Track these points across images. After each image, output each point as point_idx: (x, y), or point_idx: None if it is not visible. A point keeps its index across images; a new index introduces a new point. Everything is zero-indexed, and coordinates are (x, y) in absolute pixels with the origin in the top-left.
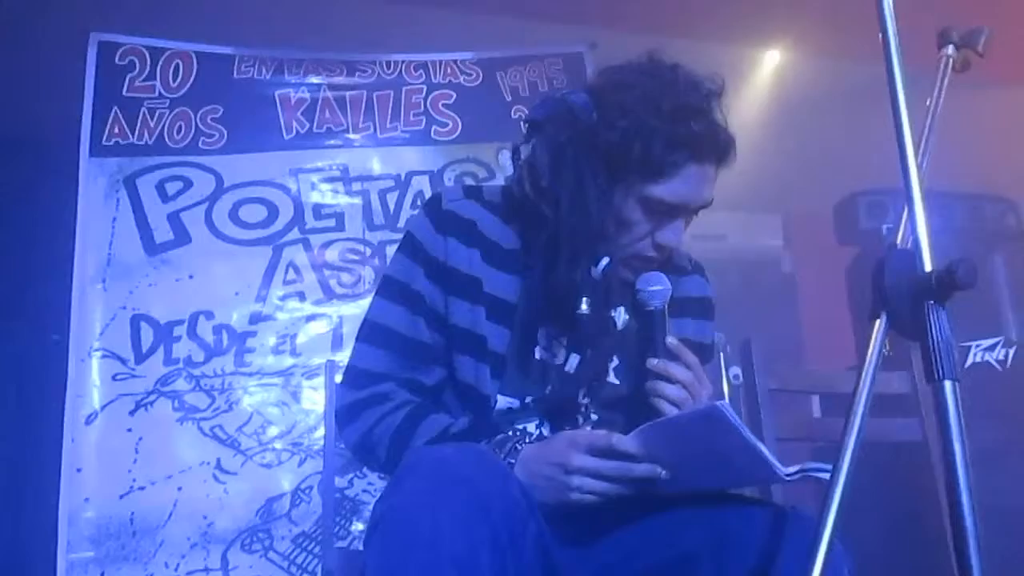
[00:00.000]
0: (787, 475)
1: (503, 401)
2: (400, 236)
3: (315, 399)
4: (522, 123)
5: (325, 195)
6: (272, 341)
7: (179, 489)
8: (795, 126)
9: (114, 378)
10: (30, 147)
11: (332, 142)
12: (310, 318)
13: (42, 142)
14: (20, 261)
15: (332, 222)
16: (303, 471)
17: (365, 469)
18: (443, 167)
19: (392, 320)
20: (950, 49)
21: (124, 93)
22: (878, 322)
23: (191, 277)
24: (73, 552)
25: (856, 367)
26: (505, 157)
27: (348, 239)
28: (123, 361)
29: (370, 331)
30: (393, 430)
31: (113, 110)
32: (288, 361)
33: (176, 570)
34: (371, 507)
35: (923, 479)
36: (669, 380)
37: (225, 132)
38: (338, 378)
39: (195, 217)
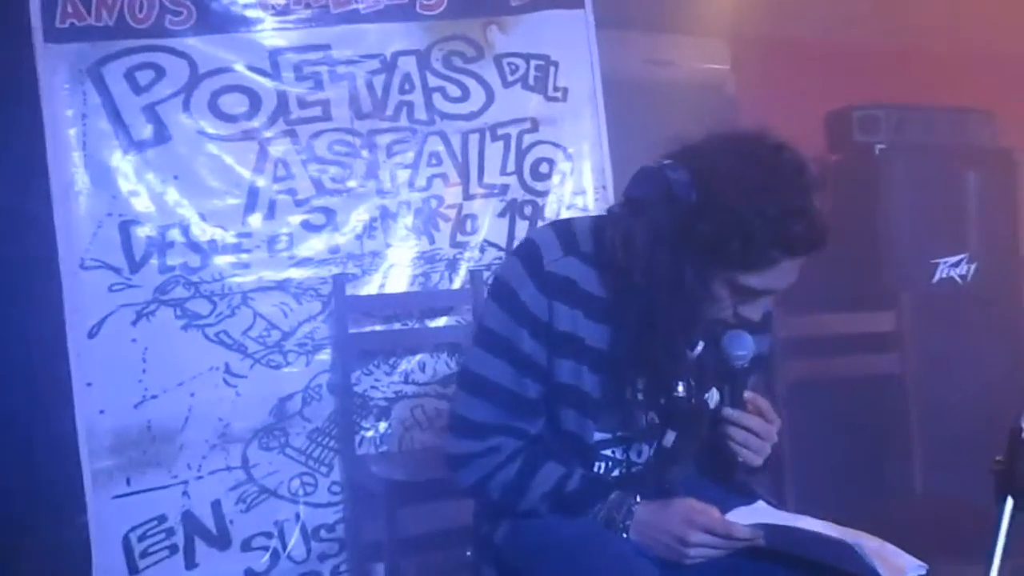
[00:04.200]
0: None
1: (596, 436)
2: (389, 125)
3: (315, 299)
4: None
5: (308, 81)
6: (267, 242)
7: (192, 395)
8: None
9: (110, 289)
10: None
11: (312, 20)
12: (304, 215)
13: None
14: None
15: (318, 111)
16: (311, 370)
17: (371, 366)
18: (430, 46)
19: (497, 375)
20: None
21: None
22: (1009, 503)
23: (176, 178)
24: (97, 462)
25: None
26: (494, 34)
27: (336, 130)
28: (117, 271)
29: (475, 383)
30: (509, 480)
31: None
32: (285, 261)
33: (199, 470)
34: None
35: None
36: (743, 427)
37: (194, 9)
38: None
39: (172, 109)
